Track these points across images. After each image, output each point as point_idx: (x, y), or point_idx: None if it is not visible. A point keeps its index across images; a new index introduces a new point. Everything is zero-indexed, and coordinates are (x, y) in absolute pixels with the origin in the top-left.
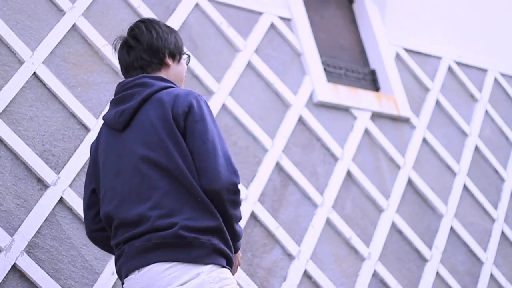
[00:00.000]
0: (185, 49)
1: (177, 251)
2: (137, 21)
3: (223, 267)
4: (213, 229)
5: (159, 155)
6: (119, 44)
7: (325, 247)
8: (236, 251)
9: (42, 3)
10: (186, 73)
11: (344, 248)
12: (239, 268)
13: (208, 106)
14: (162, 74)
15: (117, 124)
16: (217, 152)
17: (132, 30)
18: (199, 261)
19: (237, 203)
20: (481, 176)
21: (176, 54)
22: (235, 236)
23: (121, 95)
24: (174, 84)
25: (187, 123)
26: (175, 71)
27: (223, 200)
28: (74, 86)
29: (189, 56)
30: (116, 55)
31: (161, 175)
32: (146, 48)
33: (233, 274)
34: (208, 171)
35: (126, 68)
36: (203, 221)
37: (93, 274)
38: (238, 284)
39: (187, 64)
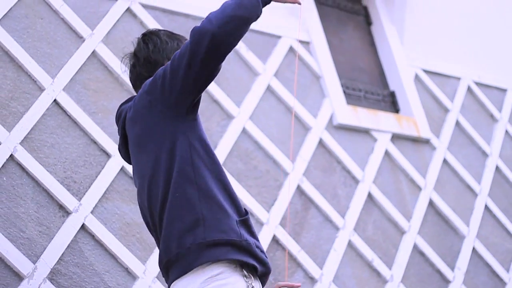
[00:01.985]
0: None
1: (174, 270)
2: (140, 35)
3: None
4: (191, 225)
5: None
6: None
7: (347, 270)
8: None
9: (61, 31)
10: None
11: (366, 271)
12: None
13: None
14: None
15: None
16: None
17: (134, 46)
18: (188, 270)
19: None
20: (502, 197)
21: None
22: (256, 10)
23: None
24: None
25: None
26: None
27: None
28: (95, 113)
29: None
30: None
31: None
32: (143, 63)
33: None
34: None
35: (134, 85)
36: (183, 223)
37: None
38: None
39: None
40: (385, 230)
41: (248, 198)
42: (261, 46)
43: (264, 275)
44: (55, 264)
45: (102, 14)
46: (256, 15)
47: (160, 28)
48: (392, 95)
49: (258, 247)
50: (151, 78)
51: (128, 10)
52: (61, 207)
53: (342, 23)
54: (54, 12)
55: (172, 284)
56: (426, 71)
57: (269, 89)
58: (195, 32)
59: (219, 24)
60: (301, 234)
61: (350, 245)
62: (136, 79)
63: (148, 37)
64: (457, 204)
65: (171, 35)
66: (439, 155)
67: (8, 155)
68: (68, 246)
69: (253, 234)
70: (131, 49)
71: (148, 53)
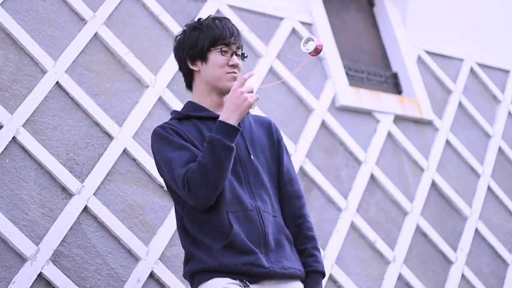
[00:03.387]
0: (222, 39)
1: None
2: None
3: (206, 280)
4: (188, 257)
5: None
6: None
7: (350, 251)
8: (235, 129)
9: (63, 13)
10: (230, 62)
11: (369, 252)
12: None
13: (159, 136)
14: (197, 83)
15: None
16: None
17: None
18: None
19: (198, 191)
20: (505, 178)
21: (196, 56)
22: (226, 157)
23: None
24: (175, 111)
25: None
26: (205, 74)
27: (198, 206)
28: (97, 95)
29: (226, 45)
30: None
31: None
32: (177, 62)
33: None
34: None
35: None
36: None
37: (118, 282)
38: None
39: (231, 54)
40: (388, 211)
41: None
42: (263, 28)
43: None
44: (58, 246)
45: None
46: (226, 160)
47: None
48: (395, 76)
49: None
50: None
51: None
52: (64, 189)
53: (344, 5)
54: None
55: None
56: (428, 53)
57: (271, 71)
58: (186, 183)
59: (204, 195)
60: None
61: (353, 226)
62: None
63: (180, 33)
64: (459, 185)
65: (196, 27)
66: (441, 136)
67: (11, 138)
68: (70, 228)
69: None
70: (135, 32)
71: (174, 51)
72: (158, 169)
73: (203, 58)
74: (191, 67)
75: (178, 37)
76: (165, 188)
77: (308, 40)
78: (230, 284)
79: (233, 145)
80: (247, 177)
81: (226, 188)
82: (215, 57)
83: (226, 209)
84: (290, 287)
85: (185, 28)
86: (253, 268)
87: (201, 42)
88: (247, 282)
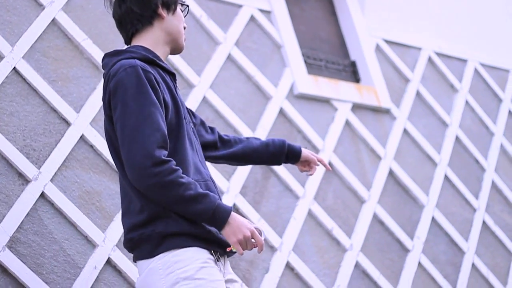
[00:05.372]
0: None
1: (135, 250)
2: None
3: (184, 247)
4: (154, 216)
5: (110, 150)
6: None
7: (307, 239)
8: (219, 228)
9: None
10: (184, 24)
11: (326, 240)
12: None
13: (138, 77)
14: (154, 31)
15: None
16: (128, 138)
17: None
18: (149, 255)
19: (163, 185)
20: (462, 166)
21: (170, 3)
22: (196, 217)
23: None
24: (135, 51)
25: (112, 112)
26: (170, 24)
27: (145, 192)
28: (54, 81)
29: (187, 6)
30: (111, 8)
31: (119, 171)
32: (138, 2)
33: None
34: (124, 162)
35: (119, 22)
36: (142, 213)
37: (75, 269)
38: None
39: (185, 16)
40: (345, 199)
41: (208, 167)
42: (222, 15)
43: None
44: (14, 232)
45: None
46: (195, 216)
47: None
48: (353, 64)
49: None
50: (114, 107)
51: None
52: (20, 175)
53: None
54: None
55: None
56: (387, 41)
57: (229, 58)
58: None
59: (149, 189)
60: (261, 203)
61: (310, 214)
62: (125, 15)
63: None
64: (416, 173)
65: None
66: (399, 124)
67: None
68: (27, 214)
69: None
70: (93, 18)
71: None
72: (111, 107)
73: (174, 8)
74: (161, 11)
75: None
76: None
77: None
78: (210, 260)
79: (201, 222)
80: (195, 145)
81: (189, 155)
82: (179, 11)
83: (192, 177)
84: (228, 264)
85: None
86: (223, 238)
87: None
88: (219, 256)
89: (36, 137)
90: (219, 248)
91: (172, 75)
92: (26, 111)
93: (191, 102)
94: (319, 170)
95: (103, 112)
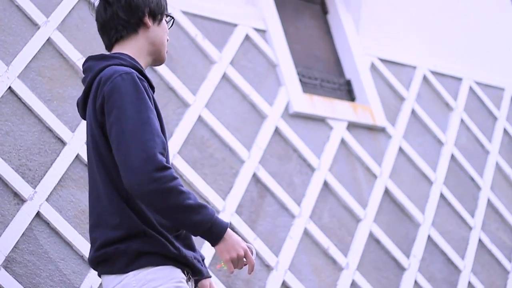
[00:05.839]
0: (169, 11)
1: (106, 264)
2: None
3: (159, 265)
4: (132, 234)
5: (94, 155)
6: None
7: (303, 258)
8: (214, 242)
9: (16, 18)
10: (168, 36)
11: (322, 258)
12: (217, 279)
13: (135, 84)
14: (139, 40)
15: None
16: (126, 142)
17: None
18: (122, 271)
19: (164, 191)
20: (457, 185)
21: (157, 13)
22: (192, 228)
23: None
24: (123, 58)
25: (105, 117)
26: (154, 34)
27: (142, 197)
28: (50, 100)
29: (172, 18)
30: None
31: (98, 180)
32: (124, 5)
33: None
34: (120, 166)
35: (102, 26)
36: (119, 229)
37: None
38: None
39: (169, 28)
40: (341, 217)
41: (204, 186)
42: (217, 34)
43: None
44: (10, 252)
45: (57, 1)
46: (191, 227)
47: None
48: (348, 83)
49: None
50: (109, 110)
51: None
52: (16, 194)
53: (298, 12)
54: None
55: None
56: (382, 60)
57: (225, 77)
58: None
59: (148, 194)
60: (257, 221)
61: (306, 232)
62: (110, 20)
63: None
64: (412, 192)
65: None
66: (394, 143)
67: None
68: (23, 234)
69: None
70: (88, 37)
71: None
72: (105, 111)
73: (160, 18)
74: (146, 20)
75: None
76: None
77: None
78: (183, 279)
79: (196, 234)
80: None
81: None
82: (165, 23)
83: None
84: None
85: None
86: (198, 264)
87: (163, 3)
88: (190, 276)
89: (32, 157)
90: (191, 271)
91: (153, 88)
92: (22, 131)
93: (186, 121)
94: (314, 189)
95: None
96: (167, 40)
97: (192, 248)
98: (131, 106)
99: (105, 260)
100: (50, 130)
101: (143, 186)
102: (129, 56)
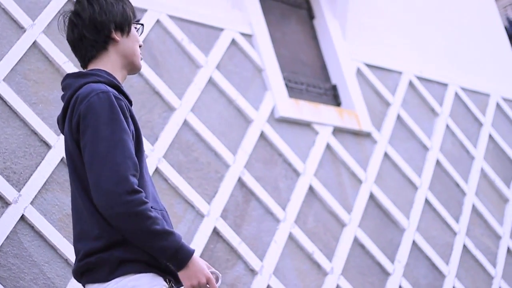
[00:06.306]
0: (137, 16)
1: (89, 274)
2: None
3: (140, 272)
4: (112, 243)
5: (70, 171)
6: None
7: (287, 262)
8: (178, 268)
9: (2, 20)
10: (140, 43)
11: (307, 263)
12: None
13: (111, 103)
14: (110, 56)
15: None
16: (99, 163)
17: (75, 5)
18: (104, 279)
19: (132, 215)
20: (442, 190)
21: (124, 26)
22: (157, 253)
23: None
24: (100, 75)
25: (80, 135)
26: (125, 47)
27: (110, 218)
28: (35, 103)
29: (142, 25)
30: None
31: (76, 193)
32: (88, 25)
33: None
34: (91, 187)
35: (73, 47)
36: (100, 240)
37: None
38: None
39: (140, 35)
40: (326, 222)
41: (189, 190)
42: (203, 39)
43: None
44: None
45: (44, 4)
46: (157, 252)
47: None
48: (334, 88)
49: None
50: (83, 132)
51: (70, 0)
52: (0, 197)
53: (285, 17)
54: None
55: None
56: (368, 65)
57: (210, 81)
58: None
59: (117, 218)
60: (241, 226)
61: (291, 237)
62: (78, 41)
63: None
64: (397, 197)
65: None
66: (380, 148)
67: None
68: (7, 237)
69: None
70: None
71: (94, 15)
72: (80, 130)
73: (128, 30)
74: (114, 35)
75: (97, 1)
76: None
77: (212, 273)
78: (165, 286)
79: (161, 258)
80: (149, 174)
81: (148, 185)
82: (134, 31)
83: (151, 204)
84: None
85: None
86: None
87: (128, 13)
88: (172, 284)
89: (17, 160)
90: (172, 278)
91: (130, 102)
92: (7, 134)
93: (172, 125)
94: (300, 193)
95: None
96: (140, 46)
97: None
98: (105, 127)
99: (88, 269)
100: (35, 133)
101: (112, 208)
102: (106, 72)
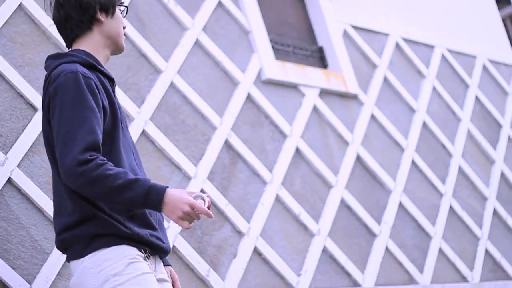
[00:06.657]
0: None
1: (67, 252)
2: None
3: (113, 245)
4: (85, 217)
5: (47, 150)
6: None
7: (274, 224)
8: (158, 209)
9: None
10: (124, 24)
11: (294, 225)
12: (188, 245)
13: (78, 83)
14: (94, 36)
15: None
16: (61, 141)
17: None
18: (80, 255)
19: (91, 181)
20: (429, 152)
21: (109, 7)
22: (131, 205)
23: None
24: (76, 55)
25: (50, 115)
26: (109, 27)
27: (79, 191)
28: (21, 66)
29: (126, 7)
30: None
31: (53, 170)
32: (74, 5)
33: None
34: (58, 165)
35: (59, 26)
36: (74, 214)
37: (42, 254)
38: (188, 262)
39: (124, 16)
40: (313, 184)
41: (176, 152)
42: (189, 1)
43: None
44: None
45: None
46: (130, 204)
47: None
48: (321, 50)
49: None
50: (52, 109)
51: None
52: None
53: None
54: None
55: None
56: (354, 27)
57: (197, 43)
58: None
59: (80, 186)
60: (228, 188)
61: (278, 199)
62: (64, 21)
63: None
64: (384, 159)
65: None
66: (366, 110)
67: None
68: None
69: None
70: None
71: None
72: (50, 110)
73: (113, 11)
74: (99, 16)
75: None
76: None
77: (197, 197)
78: (139, 256)
79: (138, 208)
80: (132, 149)
81: (123, 158)
82: (118, 13)
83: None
84: (161, 264)
85: None
86: (157, 241)
87: None
88: (149, 254)
89: (3, 123)
90: (149, 248)
91: (111, 80)
92: None
93: (158, 87)
94: (286, 155)
95: None
96: (124, 28)
97: (150, 226)
98: (69, 107)
99: (65, 247)
100: (21, 96)
101: (73, 181)
102: (85, 52)
